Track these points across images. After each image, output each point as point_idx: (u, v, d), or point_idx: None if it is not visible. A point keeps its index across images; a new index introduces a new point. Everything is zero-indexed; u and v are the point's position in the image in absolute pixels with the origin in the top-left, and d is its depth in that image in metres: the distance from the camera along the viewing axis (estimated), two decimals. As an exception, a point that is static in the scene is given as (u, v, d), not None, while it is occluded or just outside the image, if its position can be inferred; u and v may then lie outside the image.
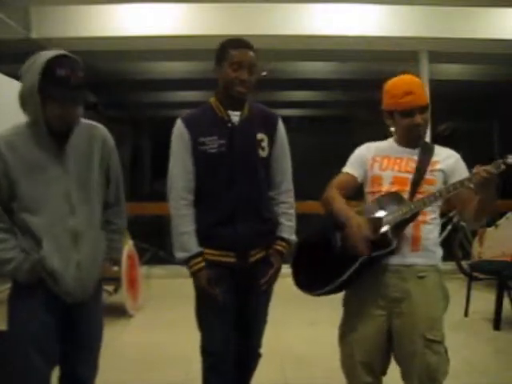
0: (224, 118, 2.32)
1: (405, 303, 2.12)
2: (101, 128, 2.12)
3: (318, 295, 2.21)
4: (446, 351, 2.14)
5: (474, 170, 1.97)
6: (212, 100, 2.36)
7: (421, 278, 2.14)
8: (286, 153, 2.45)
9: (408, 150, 2.21)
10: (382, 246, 2.09)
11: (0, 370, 2.05)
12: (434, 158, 2.19)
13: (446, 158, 2.20)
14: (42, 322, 1.96)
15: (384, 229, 2.10)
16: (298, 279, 2.28)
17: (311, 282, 2.26)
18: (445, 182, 2.17)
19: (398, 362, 2.19)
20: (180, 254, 2.31)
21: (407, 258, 2.13)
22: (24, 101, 1.92)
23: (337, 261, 2.18)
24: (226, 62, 2.25)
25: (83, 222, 2.02)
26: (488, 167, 1.93)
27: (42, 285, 1.95)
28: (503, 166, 1.93)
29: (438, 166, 2.18)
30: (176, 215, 2.31)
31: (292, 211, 2.44)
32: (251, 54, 2.27)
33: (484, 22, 5.81)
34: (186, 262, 2.30)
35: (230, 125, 2.31)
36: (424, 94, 2.16)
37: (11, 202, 1.94)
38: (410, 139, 2.20)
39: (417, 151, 2.21)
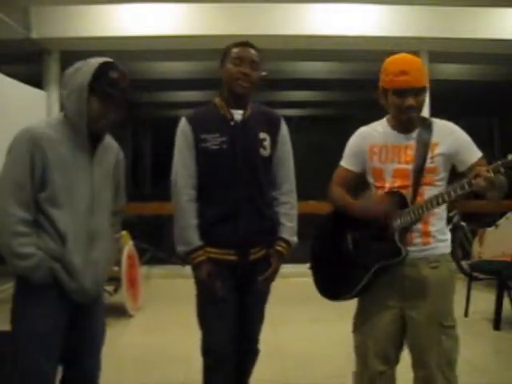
0: (226, 117, 2.35)
1: (421, 294, 2.15)
2: (114, 142, 2.20)
3: (341, 301, 2.28)
4: (457, 335, 2.21)
5: (474, 173, 1.93)
6: (217, 100, 2.40)
7: (434, 267, 2.16)
8: (289, 153, 2.47)
9: (404, 135, 2.19)
10: (392, 253, 2.12)
11: (2, 370, 2.05)
12: (433, 140, 2.15)
13: (445, 138, 2.16)
14: (51, 322, 1.96)
15: (392, 234, 2.12)
16: (317, 285, 2.35)
17: (330, 288, 2.31)
18: (447, 164, 2.17)
19: (413, 351, 2.21)
20: (181, 248, 2.33)
21: (419, 251, 2.15)
22: (68, 97, 1.98)
23: (351, 267, 2.22)
24: (228, 60, 2.31)
25: (100, 224, 2.06)
26: (486, 173, 1.89)
27: (54, 285, 1.96)
28: (502, 170, 1.90)
29: (438, 151, 2.15)
30: (179, 209, 2.34)
31: (293, 212, 2.45)
32: (252, 51, 2.31)
33: (484, 22, 5.81)
34: (187, 255, 2.32)
35: (232, 123, 2.34)
36: (421, 76, 2.11)
37: (39, 192, 1.94)
38: (400, 121, 2.17)
39: (414, 135, 2.17)
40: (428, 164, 2.14)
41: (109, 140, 2.15)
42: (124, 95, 2.02)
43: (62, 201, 1.96)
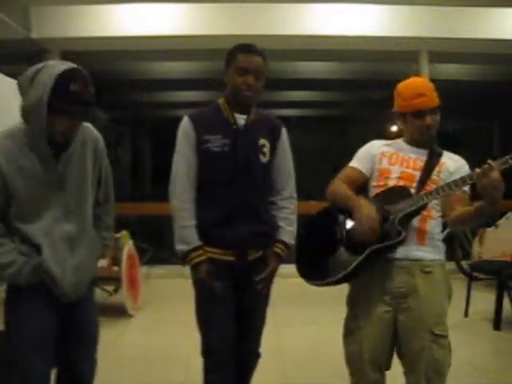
0: (230, 120, 2.35)
1: (412, 298, 2.14)
2: (91, 129, 2.10)
3: (320, 286, 2.21)
4: (449, 344, 2.17)
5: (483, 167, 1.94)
6: (220, 101, 2.39)
7: (427, 272, 2.16)
8: (289, 160, 2.48)
9: (417, 149, 2.26)
10: (390, 236, 2.10)
11: (1, 371, 2.05)
12: (442, 160, 2.24)
13: (451, 161, 2.25)
14: (42, 322, 1.96)
15: (392, 218, 2.11)
16: (300, 268, 2.30)
17: (314, 271, 2.26)
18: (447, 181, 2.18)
19: (402, 358, 2.20)
20: (181, 247, 2.32)
21: (413, 251, 2.15)
22: (28, 113, 1.87)
23: (346, 248, 2.19)
24: (233, 67, 2.29)
25: (78, 227, 2.03)
26: (494, 162, 1.91)
27: (42, 286, 1.95)
28: (511, 162, 1.92)
29: (445, 168, 2.22)
30: (179, 208, 2.33)
31: (293, 217, 2.46)
32: (259, 59, 2.29)
33: (484, 22, 5.81)
34: (186, 254, 2.31)
35: (234, 127, 2.34)
36: (435, 96, 2.22)
37: (7, 208, 1.93)
38: (421, 139, 2.24)
39: (426, 152, 2.25)
40: (434, 176, 2.20)
41: (85, 132, 2.05)
42: (89, 109, 1.87)
43: (31, 214, 1.93)
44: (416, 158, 2.24)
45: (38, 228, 1.93)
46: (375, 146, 2.34)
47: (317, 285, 2.23)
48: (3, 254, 1.91)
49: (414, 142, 2.27)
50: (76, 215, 2.02)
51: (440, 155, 2.26)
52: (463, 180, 2.03)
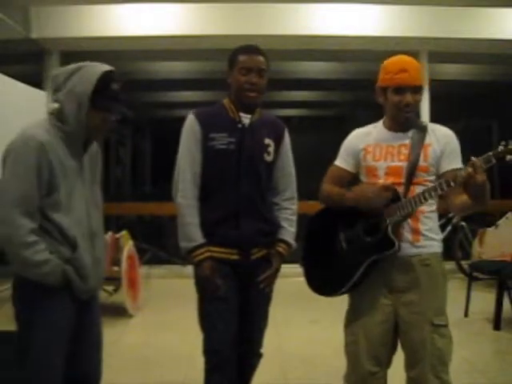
0: (235, 119, 2.37)
1: (412, 292, 2.16)
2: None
3: (331, 296, 2.31)
4: (450, 333, 2.19)
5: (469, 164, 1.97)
6: (225, 101, 2.42)
7: (426, 265, 2.18)
8: (291, 161, 2.53)
9: (399, 134, 2.23)
10: (385, 246, 2.13)
11: (10, 372, 2.01)
12: (427, 141, 2.20)
13: (437, 139, 2.21)
14: (66, 324, 1.96)
15: (386, 226, 2.14)
16: (310, 283, 2.37)
17: (323, 285, 2.34)
18: (438, 164, 2.18)
19: (405, 350, 2.21)
20: (185, 244, 2.34)
21: (411, 249, 2.17)
22: (67, 106, 1.93)
23: (344, 263, 2.24)
24: (235, 68, 2.33)
25: (96, 223, 2.09)
26: (477, 162, 1.93)
27: (66, 286, 1.95)
28: (494, 160, 1.93)
29: (431, 150, 2.19)
30: (184, 205, 2.34)
31: (294, 218, 2.51)
32: (260, 58, 2.33)
33: (484, 22, 5.81)
34: (190, 251, 2.32)
35: (240, 126, 2.37)
36: (419, 75, 2.18)
37: (43, 198, 1.92)
38: (397, 118, 2.21)
39: (409, 134, 2.22)
40: (421, 163, 2.17)
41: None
42: (123, 107, 1.99)
43: (65, 205, 1.95)
44: (400, 146, 2.21)
45: (71, 221, 1.96)
46: (356, 140, 2.31)
47: (332, 296, 2.31)
48: (38, 253, 1.88)
49: (394, 126, 2.23)
50: (94, 212, 2.08)
51: (424, 135, 2.20)
52: (447, 183, 2.02)
